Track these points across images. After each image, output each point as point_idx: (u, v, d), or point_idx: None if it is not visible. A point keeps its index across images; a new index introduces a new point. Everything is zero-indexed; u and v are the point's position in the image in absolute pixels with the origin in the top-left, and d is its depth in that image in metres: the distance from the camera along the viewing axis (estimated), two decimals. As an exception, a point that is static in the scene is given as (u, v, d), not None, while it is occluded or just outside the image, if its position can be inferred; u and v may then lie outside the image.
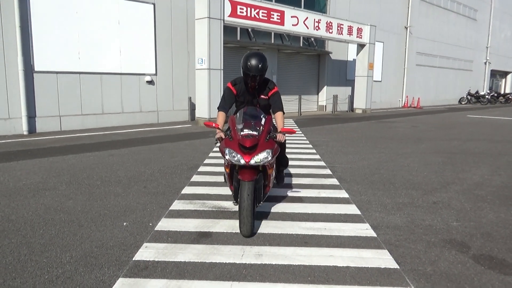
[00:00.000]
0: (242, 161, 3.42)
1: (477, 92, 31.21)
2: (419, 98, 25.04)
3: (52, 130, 10.44)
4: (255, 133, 3.54)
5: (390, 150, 8.42)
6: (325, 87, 19.88)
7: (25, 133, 9.88)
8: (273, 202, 4.55)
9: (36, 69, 9.99)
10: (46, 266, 2.97)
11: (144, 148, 8.09)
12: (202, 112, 12.62)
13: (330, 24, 16.37)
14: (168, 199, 4.69)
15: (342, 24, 16.97)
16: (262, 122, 3.69)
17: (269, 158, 3.50)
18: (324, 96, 19.89)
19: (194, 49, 12.90)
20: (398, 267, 3.06)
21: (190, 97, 13.48)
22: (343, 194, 5.02)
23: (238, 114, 3.82)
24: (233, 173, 3.68)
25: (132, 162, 6.69)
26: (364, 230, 3.82)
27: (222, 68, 12.47)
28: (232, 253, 3.23)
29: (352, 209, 4.43)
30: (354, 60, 19.93)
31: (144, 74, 12.35)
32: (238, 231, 3.65)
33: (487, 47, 33.62)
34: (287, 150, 4.76)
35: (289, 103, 17.55)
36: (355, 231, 3.77)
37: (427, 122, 15.22)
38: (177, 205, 4.46)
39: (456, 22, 28.69)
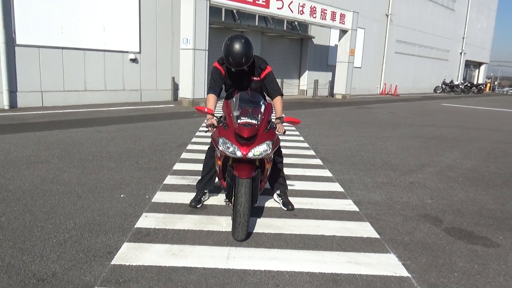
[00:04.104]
0: (239, 153, 3.02)
1: (451, 81, 32.20)
2: (396, 86, 25.69)
3: (34, 106, 10.32)
4: (254, 121, 3.09)
5: (370, 134, 8.80)
6: (307, 71, 20.15)
7: (6, 107, 9.74)
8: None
9: (17, 42, 9.80)
10: (52, 231, 3.13)
11: (130, 126, 8.17)
12: (185, 92, 12.67)
13: (314, 8, 16.52)
14: (161, 174, 4.87)
15: (326, 9, 17.15)
16: (262, 110, 3.24)
17: (269, 151, 3.11)
18: (305, 81, 20.18)
19: (178, 29, 12.84)
20: (379, 237, 3.38)
21: (174, 77, 13.48)
22: (327, 173, 5.32)
23: (234, 98, 3.37)
24: (226, 167, 3.27)
25: (120, 139, 6.79)
26: (348, 205, 4.13)
27: (207, 48, 12.50)
28: (227, 223, 3.46)
29: (336, 187, 4.73)
30: (336, 45, 20.21)
31: (127, 52, 12.25)
32: (231, 204, 3.88)
33: (463, 38, 34.57)
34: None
35: (271, 86, 17.75)
36: (339, 206, 4.07)
37: (404, 109, 15.75)
38: (170, 179, 4.65)
39: (434, 12, 29.32)
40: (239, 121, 3.12)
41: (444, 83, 31.73)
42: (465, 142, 8.51)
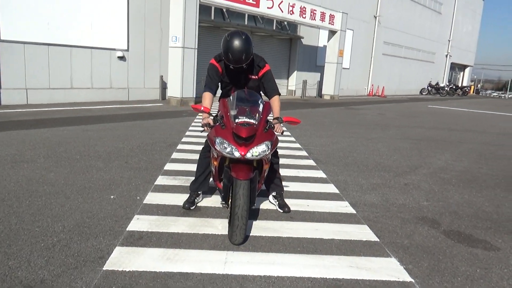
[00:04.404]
0: (237, 154, 2.90)
1: (437, 83, 32.62)
2: (383, 87, 25.87)
3: (18, 103, 10.01)
4: (252, 121, 2.99)
5: (360, 135, 8.77)
6: (295, 72, 20.12)
7: (-11, 104, 9.43)
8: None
9: (2, 37, 9.49)
10: (40, 234, 2.97)
11: (119, 125, 7.98)
12: (174, 91, 12.48)
13: (304, 9, 16.49)
14: (152, 174, 4.73)
15: (315, 10, 17.14)
16: (260, 109, 3.12)
17: (268, 152, 3.01)
18: (294, 81, 20.15)
19: (167, 26, 12.65)
20: (378, 240, 3.31)
21: (162, 76, 13.27)
22: (320, 174, 5.25)
23: (231, 97, 3.23)
24: (222, 168, 3.15)
25: (109, 138, 6.61)
26: (344, 207, 4.05)
27: (196, 47, 12.34)
28: (223, 226, 3.35)
29: (331, 188, 4.66)
30: (325, 46, 20.23)
31: (115, 49, 12.01)
32: (228, 207, 3.77)
33: (449, 40, 35.03)
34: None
35: (261, 86, 17.69)
36: (336, 208, 3.99)
37: (392, 110, 15.83)
38: (161, 180, 4.52)
39: (422, 14, 29.65)
40: (237, 120, 3.00)
41: (430, 85, 32.11)
42: (455, 144, 8.56)
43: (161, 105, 12.14)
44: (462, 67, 42.57)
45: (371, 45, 24.76)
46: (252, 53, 3.29)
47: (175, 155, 5.73)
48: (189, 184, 4.09)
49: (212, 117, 3.21)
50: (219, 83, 3.58)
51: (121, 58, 12.17)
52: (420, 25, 29.69)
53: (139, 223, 3.29)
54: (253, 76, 3.48)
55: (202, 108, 3.18)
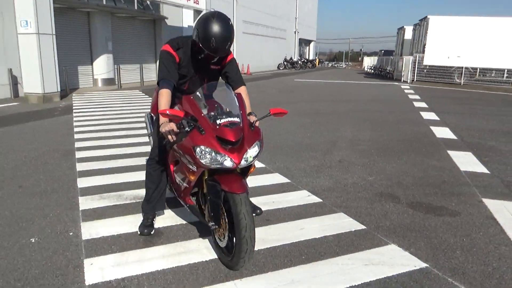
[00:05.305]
0: (229, 164, 2.34)
1: (291, 58, 35.09)
2: (248, 65, 26.54)
3: None
4: (236, 119, 2.48)
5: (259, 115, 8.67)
6: (163, 55, 18.99)
7: None
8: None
9: None
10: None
11: (-24, 137, 6.20)
12: (32, 86, 10.40)
13: (168, -13, 15.46)
14: (67, 197, 3.72)
15: (179, -12, 16.26)
16: (237, 103, 2.58)
17: (259, 154, 2.54)
18: (163, 65, 19.02)
19: (10, 8, 10.33)
20: (365, 227, 3.19)
21: (11, 69, 10.91)
22: (258, 164, 4.92)
23: (198, 93, 2.63)
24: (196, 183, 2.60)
25: (-26, 157, 5.04)
26: (308, 197, 3.83)
27: (54, 32, 10.43)
28: (205, 247, 2.78)
29: (279, 178, 4.39)
30: (190, 27, 19.51)
31: None
32: (185, 221, 3.17)
33: (295, 18, 37.77)
34: None
35: (131, 73, 16.20)
36: (301, 199, 3.75)
37: (268, 87, 16.29)
38: (86, 203, 3.57)
39: (273, -8, 31.09)
40: (218, 121, 2.42)
41: (285, 60, 34.31)
42: (344, 114, 9.16)
43: (16, 104, 9.99)
44: (308, 42, 46.70)
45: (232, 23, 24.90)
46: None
47: (81, 167, 4.66)
48: (127, 200, 3.40)
49: (178, 123, 2.45)
50: None
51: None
52: (272, 4, 31.16)
53: (98, 272, 2.47)
54: (213, 66, 2.85)
55: (171, 113, 2.34)
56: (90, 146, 5.63)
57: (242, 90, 2.89)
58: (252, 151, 2.45)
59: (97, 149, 5.49)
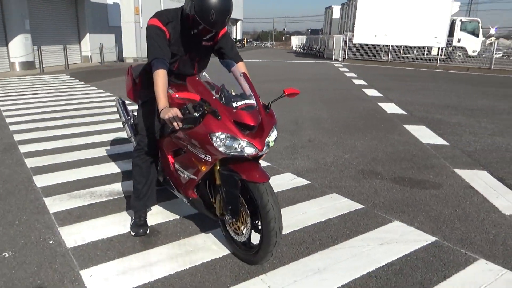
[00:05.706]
0: (250, 150, 2.12)
1: (221, 38, 34.55)
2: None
3: None
4: (252, 101, 2.24)
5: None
6: (88, 35, 17.58)
7: None
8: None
9: None
10: None
11: None
12: None
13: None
14: (28, 199, 3.22)
15: (103, -39, 14.95)
16: (245, 82, 2.34)
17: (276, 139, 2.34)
18: (88, 46, 17.61)
19: None
20: (363, 206, 3.18)
21: None
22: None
23: (205, 73, 2.50)
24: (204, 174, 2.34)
25: None
26: (294, 179, 3.74)
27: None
28: (214, 243, 2.56)
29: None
30: (115, 4, 18.20)
31: None
32: (177, 216, 2.91)
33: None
34: None
35: (53, 54, 14.72)
36: (290, 183, 3.64)
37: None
38: (55, 204, 3.12)
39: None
40: (234, 104, 2.18)
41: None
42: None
43: None
44: (235, 21, 46.14)
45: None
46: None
47: (31, 162, 4.08)
48: (102, 198, 3.09)
49: (186, 106, 2.17)
50: None
51: None
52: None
53: (103, 284, 2.15)
54: (207, 43, 2.56)
55: (192, 97, 2.06)
56: (34, 139, 4.97)
57: (242, 67, 2.60)
58: (272, 136, 2.27)
59: (43, 141, 4.87)
